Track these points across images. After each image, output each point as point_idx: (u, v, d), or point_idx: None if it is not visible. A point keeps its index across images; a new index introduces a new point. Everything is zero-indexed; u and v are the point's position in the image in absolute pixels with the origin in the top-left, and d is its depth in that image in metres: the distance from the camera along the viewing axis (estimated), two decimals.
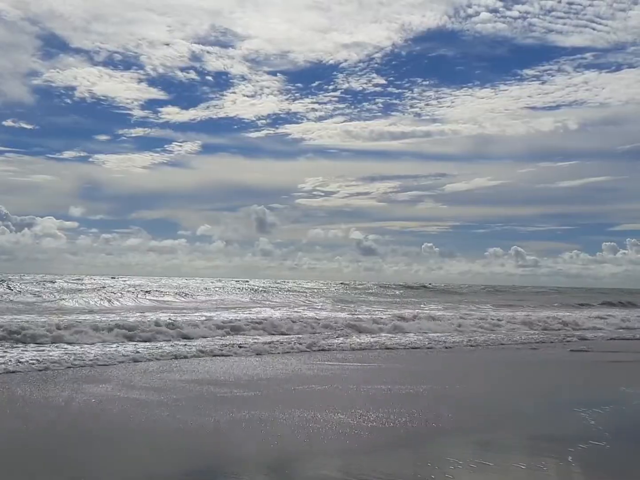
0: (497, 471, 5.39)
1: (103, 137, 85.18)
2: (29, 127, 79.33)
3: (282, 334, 16.77)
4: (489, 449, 6.08)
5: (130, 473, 5.24)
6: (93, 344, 13.19)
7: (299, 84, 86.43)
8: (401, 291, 55.46)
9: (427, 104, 78.96)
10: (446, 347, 14.89)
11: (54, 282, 40.23)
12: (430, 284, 69.53)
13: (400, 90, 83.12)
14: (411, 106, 79.29)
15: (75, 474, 5.13)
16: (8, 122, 78.03)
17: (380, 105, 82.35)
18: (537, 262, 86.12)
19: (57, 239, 77.36)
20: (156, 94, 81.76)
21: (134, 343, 13.65)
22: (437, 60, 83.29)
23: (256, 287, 49.90)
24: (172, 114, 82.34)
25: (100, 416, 7.06)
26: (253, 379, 9.60)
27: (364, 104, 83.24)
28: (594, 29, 71.60)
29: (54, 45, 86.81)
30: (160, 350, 12.41)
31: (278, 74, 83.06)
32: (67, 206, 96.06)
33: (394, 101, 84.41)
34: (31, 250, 77.48)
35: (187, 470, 5.27)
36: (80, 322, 15.69)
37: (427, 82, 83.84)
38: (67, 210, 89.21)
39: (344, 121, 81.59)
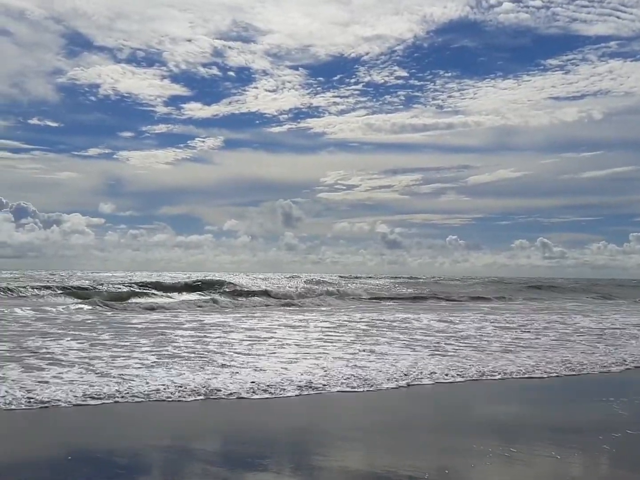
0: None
1: (127, 134, 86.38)
2: (54, 125, 79.93)
3: None
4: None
5: None
6: None
7: (320, 78, 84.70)
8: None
9: (450, 96, 78.18)
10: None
11: None
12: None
13: (422, 83, 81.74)
14: (433, 98, 78.76)
15: None
16: (34, 120, 79.08)
17: (402, 97, 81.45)
18: (564, 254, 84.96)
19: (85, 235, 79.63)
20: (179, 90, 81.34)
21: None
22: (459, 51, 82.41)
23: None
24: (195, 109, 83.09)
25: None
26: None
27: (386, 96, 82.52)
28: (618, 17, 70.11)
29: (77, 44, 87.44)
30: None
31: (299, 68, 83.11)
32: (92, 203, 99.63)
33: (416, 93, 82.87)
34: (59, 246, 79.80)
35: None
36: None
37: (449, 74, 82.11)
38: (92, 206, 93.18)
39: (366, 114, 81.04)
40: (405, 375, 9.57)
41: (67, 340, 13.33)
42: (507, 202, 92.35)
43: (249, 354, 11.57)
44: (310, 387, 8.53)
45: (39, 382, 8.57)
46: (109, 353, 11.50)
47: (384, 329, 17.16)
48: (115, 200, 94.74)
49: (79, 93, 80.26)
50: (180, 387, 8.35)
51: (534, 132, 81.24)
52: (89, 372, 9.37)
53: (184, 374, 9.34)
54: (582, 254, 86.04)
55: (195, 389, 8.26)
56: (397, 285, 49.11)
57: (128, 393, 7.96)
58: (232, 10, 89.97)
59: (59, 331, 15.37)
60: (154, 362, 10.51)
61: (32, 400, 7.50)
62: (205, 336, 14.67)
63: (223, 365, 10.14)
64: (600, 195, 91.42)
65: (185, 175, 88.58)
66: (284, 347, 12.72)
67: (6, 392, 7.85)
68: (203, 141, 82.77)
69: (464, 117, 77.69)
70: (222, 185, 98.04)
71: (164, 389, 8.24)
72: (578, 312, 26.51)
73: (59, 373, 9.30)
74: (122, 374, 9.24)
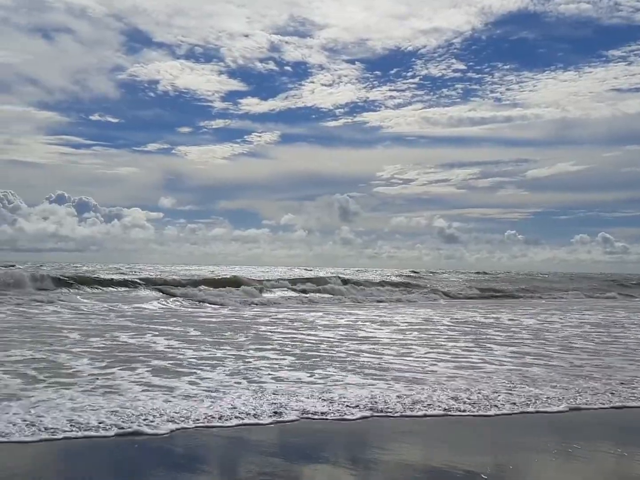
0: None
1: (185, 129, 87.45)
2: (114, 120, 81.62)
3: None
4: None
5: None
6: None
7: (377, 72, 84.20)
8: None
9: (508, 89, 78.03)
10: None
11: None
12: None
13: (480, 75, 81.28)
14: (491, 91, 78.53)
15: None
16: (95, 117, 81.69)
17: (460, 91, 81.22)
18: (627, 249, 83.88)
19: (144, 229, 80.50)
20: (236, 85, 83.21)
21: None
22: (518, 43, 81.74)
23: None
24: (252, 104, 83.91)
25: None
26: None
27: (443, 90, 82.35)
28: None
29: (137, 40, 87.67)
30: None
31: (356, 62, 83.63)
32: (151, 197, 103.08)
33: (474, 86, 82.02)
34: (119, 240, 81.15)
35: None
36: None
37: (508, 66, 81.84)
38: (152, 201, 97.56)
39: (423, 108, 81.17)
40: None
41: (212, 345, 11.92)
42: (567, 196, 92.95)
43: (399, 356, 10.24)
44: (531, 401, 7.19)
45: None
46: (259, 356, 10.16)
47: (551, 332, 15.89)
48: (174, 195, 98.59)
49: (139, 89, 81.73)
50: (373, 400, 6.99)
51: (595, 124, 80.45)
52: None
53: (350, 384, 7.98)
54: None
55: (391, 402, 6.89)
56: (484, 283, 45.33)
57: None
58: (289, 5, 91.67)
59: (195, 333, 13.99)
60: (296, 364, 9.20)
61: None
62: (351, 333, 13.34)
63: (380, 369, 8.81)
64: None
65: (243, 170, 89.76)
66: (412, 348, 11.40)
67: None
68: (260, 136, 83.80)
69: (523, 109, 77.63)
70: (278, 179, 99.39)
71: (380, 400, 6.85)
72: None
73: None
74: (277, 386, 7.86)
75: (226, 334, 13.19)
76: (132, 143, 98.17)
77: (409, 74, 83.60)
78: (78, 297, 22.58)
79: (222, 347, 11.01)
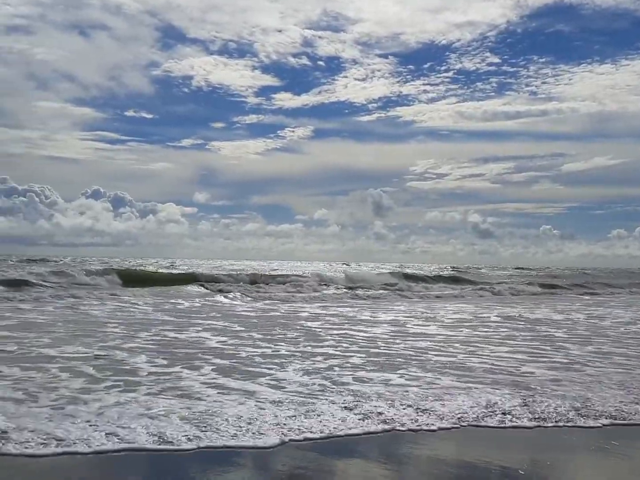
0: None
1: (219, 125, 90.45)
2: (149, 116, 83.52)
3: None
4: None
5: None
6: None
7: (410, 66, 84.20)
8: None
9: (544, 82, 77.52)
10: None
11: None
12: None
13: (515, 69, 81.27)
14: (527, 85, 78.55)
15: None
16: (130, 112, 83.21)
17: (494, 84, 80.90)
18: None
19: (179, 224, 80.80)
20: (269, 80, 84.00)
21: None
22: (554, 36, 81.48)
23: None
24: (285, 99, 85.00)
25: None
26: None
27: (477, 83, 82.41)
28: None
29: (171, 36, 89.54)
30: None
31: (389, 57, 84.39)
32: (186, 192, 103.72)
33: (509, 80, 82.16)
34: (154, 235, 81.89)
35: None
36: None
37: (544, 59, 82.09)
38: (186, 196, 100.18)
39: (457, 102, 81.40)
40: None
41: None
42: (604, 190, 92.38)
43: (473, 355, 9.28)
44: None
45: None
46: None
47: None
48: (208, 190, 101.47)
49: (173, 85, 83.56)
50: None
51: (633, 118, 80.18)
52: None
53: (454, 387, 7.03)
54: None
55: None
56: (536, 278, 42.75)
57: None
58: (322, 0, 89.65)
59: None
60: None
61: None
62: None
63: (465, 369, 7.86)
64: None
65: (276, 165, 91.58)
66: (482, 345, 10.43)
67: None
68: (293, 131, 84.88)
69: (559, 103, 77.61)
70: (311, 174, 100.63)
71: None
72: None
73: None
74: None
75: (274, 329, 12.31)
76: (167, 139, 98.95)
77: (443, 67, 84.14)
78: (122, 291, 21.77)
79: (277, 344, 10.13)
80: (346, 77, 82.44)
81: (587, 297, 28.59)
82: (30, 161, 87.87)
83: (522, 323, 14.82)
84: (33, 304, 16.38)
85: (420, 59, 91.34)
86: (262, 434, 4.91)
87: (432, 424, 5.32)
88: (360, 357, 9.00)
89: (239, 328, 12.42)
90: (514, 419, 5.55)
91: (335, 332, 12.15)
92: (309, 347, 9.86)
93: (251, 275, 29.21)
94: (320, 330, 12.49)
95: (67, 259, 55.49)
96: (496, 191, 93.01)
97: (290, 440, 4.82)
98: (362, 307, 19.46)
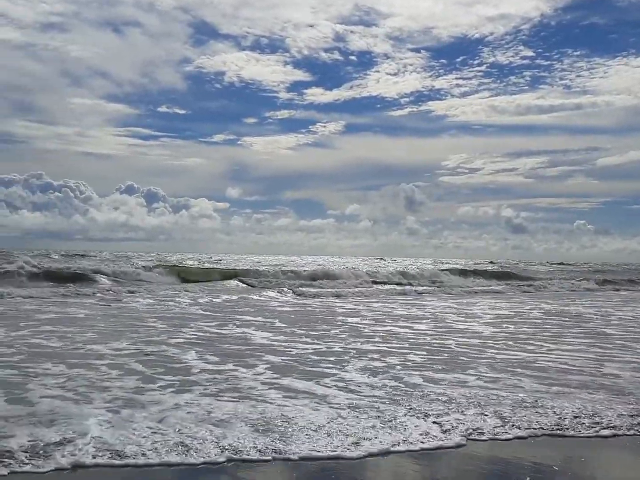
0: None
1: (251, 120, 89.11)
2: (181, 112, 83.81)
3: None
4: None
5: None
6: None
7: (442, 60, 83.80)
8: None
9: (578, 75, 76.00)
10: None
11: None
12: None
13: (549, 62, 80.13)
14: (561, 78, 77.16)
15: None
16: (163, 108, 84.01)
17: (528, 78, 79.63)
18: None
19: (211, 219, 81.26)
20: (301, 75, 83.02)
21: None
22: (588, 29, 79.64)
23: None
24: (317, 95, 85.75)
25: None
26: None
27: (511, 77, 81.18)
28: None
29: (204, 32, 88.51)
30: None
31: (422, 51, 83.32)
32: (218, 188, 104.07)
33: (543, 74, 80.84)
34: (187, 230, 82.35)
35: None
36: None
37: (578, 53, 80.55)
38: (218, 191, 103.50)
39: (490, 96, 79.84)
40: None
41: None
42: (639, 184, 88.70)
43: (537, 353, 8.56)
44: None
45: None
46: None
47: None
48: (240, 185, 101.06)
49: (205, 81, 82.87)
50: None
51: None
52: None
53: (538, 391, 6.34)
54: None
55: None
56: (588, 274, 40.30)
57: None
58: None
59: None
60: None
61: None
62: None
63: (538, 369, 7.14)
64: None
65: (307, 160, 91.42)
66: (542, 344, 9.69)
67: None
68: (324, 126, 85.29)
69: (594, 97, 76.02)
70: (343, 169, 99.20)
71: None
72: None
73: None
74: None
75: (317, 325, 11.72)
76: (199, 134, 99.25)
77: (476, 61, 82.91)
78: (161, 286, 21.39)
79: (325, 341, 9.55)
80: (378, 71, 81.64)
81: None
82: (65, 157, 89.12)
83: (596, 320, 14.03)
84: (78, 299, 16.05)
85: (453, 53, 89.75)
86: (354, 443, 4.33)
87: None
88: (419, 355, 8.37)
89: (280, 324, 11.88)
90: None
91: (375, 327, 11.53)
92: (358, 344, 9.26)
93: (311, 272, 28.00)
94: (361, 326, 11.88)
95: (104, 254, 55.57)
96: (529, 186, 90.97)
97: (383, 452, 4.23)
98: (421, 301, 18.82)
